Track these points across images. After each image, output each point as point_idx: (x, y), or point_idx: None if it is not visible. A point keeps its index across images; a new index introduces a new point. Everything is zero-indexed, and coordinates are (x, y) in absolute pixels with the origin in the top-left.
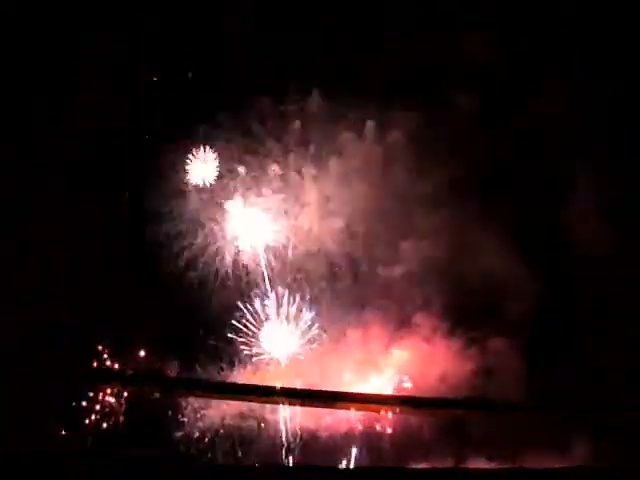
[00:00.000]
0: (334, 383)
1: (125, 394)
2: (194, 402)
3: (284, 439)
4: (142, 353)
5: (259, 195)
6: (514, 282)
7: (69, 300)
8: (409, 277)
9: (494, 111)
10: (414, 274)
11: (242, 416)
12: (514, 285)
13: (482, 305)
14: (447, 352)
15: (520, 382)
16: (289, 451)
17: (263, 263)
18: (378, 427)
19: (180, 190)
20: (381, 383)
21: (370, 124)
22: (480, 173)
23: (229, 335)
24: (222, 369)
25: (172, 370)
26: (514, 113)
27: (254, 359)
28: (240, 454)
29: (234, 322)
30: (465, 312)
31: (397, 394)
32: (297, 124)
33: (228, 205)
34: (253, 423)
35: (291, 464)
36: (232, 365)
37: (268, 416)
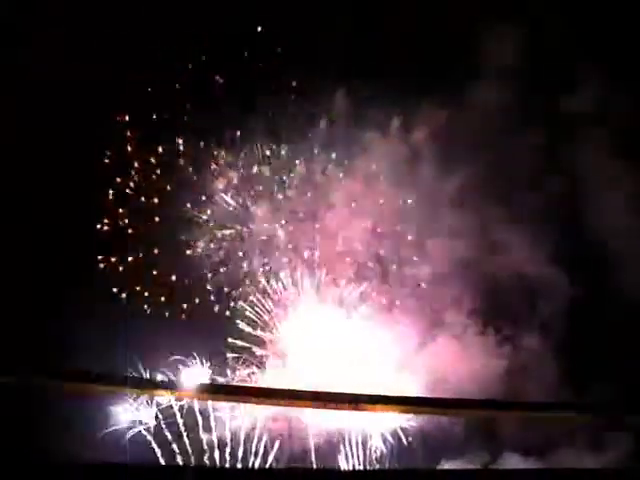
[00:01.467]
0: (363, 385)
1: (154, 400)
2: (224, 406)
3: (313, 441)
4: (171, 358)
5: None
6: (546, 281)
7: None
8: (439, 276)
9: (523, 109)
10: (444, 274)
11: (271, 419)
12: (546, 284)
13: (514, 304)
14: (479, 351)
15: (553, 381)
16: (318, 453)
17: (291, 266)
18: (408, 427)
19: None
20: (412, 383)
21: (395, 123)
22: (510, 171)
23: (257, 339)
24: (254, 373)
25: (202, 375)
26: (543, 111)
27: (282, 363)
28: (270, 456)
29: (262, 326)
30: (497, 311)
31: (426, 396)
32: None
33: (254, 208)
34: (282, 425)
35: (320, 466)
36: (261, 369)
37: (296, 419)
